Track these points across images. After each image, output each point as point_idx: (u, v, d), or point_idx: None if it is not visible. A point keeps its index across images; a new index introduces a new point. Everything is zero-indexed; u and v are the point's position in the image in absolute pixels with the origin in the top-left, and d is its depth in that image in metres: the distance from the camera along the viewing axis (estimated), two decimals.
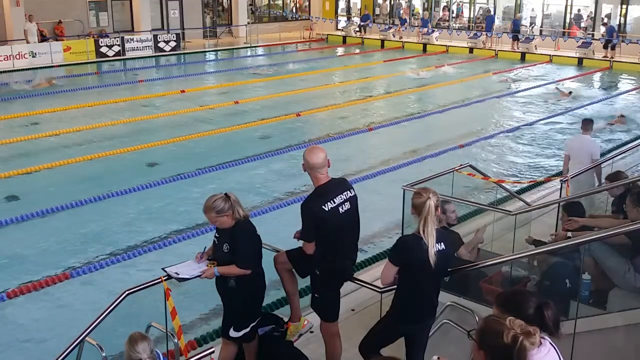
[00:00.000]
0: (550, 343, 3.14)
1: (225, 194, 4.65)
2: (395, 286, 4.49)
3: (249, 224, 4.72)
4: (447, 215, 5.95)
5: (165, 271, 4.76)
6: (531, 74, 23.91)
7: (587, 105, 18.32)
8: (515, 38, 28.15)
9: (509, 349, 2.75)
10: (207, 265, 4.77)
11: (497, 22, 30.84)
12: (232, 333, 4.85)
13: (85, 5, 27.98)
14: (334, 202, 4.56)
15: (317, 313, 5.00)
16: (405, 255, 4.25)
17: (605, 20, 27.75)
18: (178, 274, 4.71)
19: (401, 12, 34.57)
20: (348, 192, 4.69)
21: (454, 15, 33.69)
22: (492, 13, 30.34)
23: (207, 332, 6.66)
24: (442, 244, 4.25)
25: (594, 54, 26.01)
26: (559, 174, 10.97)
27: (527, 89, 20.91)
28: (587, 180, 8.63)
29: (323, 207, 4.52)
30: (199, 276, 4.72)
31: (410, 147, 13.87)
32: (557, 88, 20.41)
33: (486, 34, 29.13)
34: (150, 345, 3.69)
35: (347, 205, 4.64)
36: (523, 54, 27.39)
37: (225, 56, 28.29)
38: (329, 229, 4.57)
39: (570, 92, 19.83)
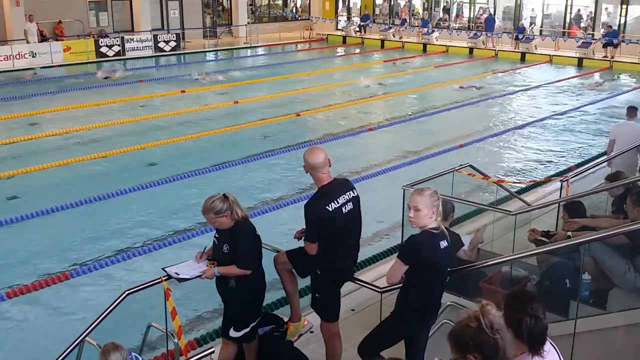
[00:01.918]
0: (551, 343, 3.14)
1: (224, 194, 4.64)
2: (395, 286, 4.49)
3: (248, 224, 4.72)
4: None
5: (165, 271, 4.76)
6: (527, 75, 23.93)
7: (587, 105, 18.33)
8: (516, 38, 28.20)
9: (480, 330, 2.79)
10: (207, 266, 4.77)
11: (497, 22, 30.83)
12: (232, 333, 4.85)
13: (85, 5, 27.99)
14: (338, 203, 4.56)
15: (318, 313, 4.99)
16: (416, 255, 4.22)
17: (610, 23, 27.69)
18: (178, 274, 4.71)
19: (399, 12, 34.56)
20: (351, 192, 4.68)
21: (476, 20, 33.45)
22: (492, 15, 30.20)
23: (207, 332, 6.66)
24: (446, 242, 4.27)
25: (594, 54, 26.01)
26: (559, 174, 11.00)
27: (527, 89, 20.94)
28: (632, 162, 9.11)
29: (327, 207, 4.51)
30: (199, 276, 4.73)
31: (410, 147, 13.87)
32: (461, 87, 20.47)
33: (486, 34, 29.15)
34: (123, 354, 3.74)
35: (350, 206, 4.63)
36: (523, 54, 27.39)
37: (225, 56, 28.30)
38: (333, 229, 4.56)
39: (602, 82, 21.04)
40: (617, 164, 9.08)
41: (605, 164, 9.60)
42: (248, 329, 4.84)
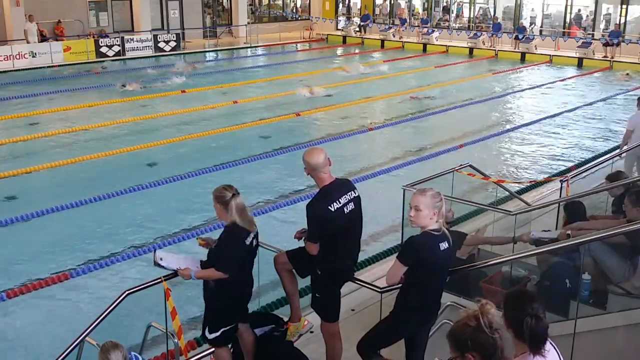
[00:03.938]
0: (551, 343, 3.14)
1: (236, 191, 4.54)
2: (395, 286, 4.48)
3: (238, 230, 4.54)
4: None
5: (154, 252, 4.77)
6: (524, 75, 23.93)
7: (588, 105, 18.34)
8: (516, 38, 28.21)
9: (478, 329, 2.81)
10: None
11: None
12: (207, 334, 4.78)
13: (85, 5, 27.99)
14: (340, 203, 4.54)
15: (318, 313, 4.99)
16: (415, 256, 4.20)
17: (617, 21, 27.67)
18: (161, 260, 4.72)
19: (396, 12, 34.54)
20: (352, 192, 4.67)
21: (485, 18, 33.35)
22: (497, 20, 30.04)
23: None
24: (447, 244, 4.25)
25: (594, 54, 26.01)
26: (559, 174, 11.01)
27: (527, 89, 20.95)
28: None
29: (329, 207, 4.49)
30: (175, 271, 4.72)
31: (410, 147, 13.87)
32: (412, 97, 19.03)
33: (486, 34, 29.15)
34: (123, 353, 3.72)
35: (351, 206, 4.62)
36: (523, 54, 27.39)
37: (225, 56, 28.29)
38: (334, 229, 4.54)
39: (627, 74, 22.19)
40: (629, 154, 9.33)
41: (608, 160, 9.65)
42: (218, 333, 4.72)
